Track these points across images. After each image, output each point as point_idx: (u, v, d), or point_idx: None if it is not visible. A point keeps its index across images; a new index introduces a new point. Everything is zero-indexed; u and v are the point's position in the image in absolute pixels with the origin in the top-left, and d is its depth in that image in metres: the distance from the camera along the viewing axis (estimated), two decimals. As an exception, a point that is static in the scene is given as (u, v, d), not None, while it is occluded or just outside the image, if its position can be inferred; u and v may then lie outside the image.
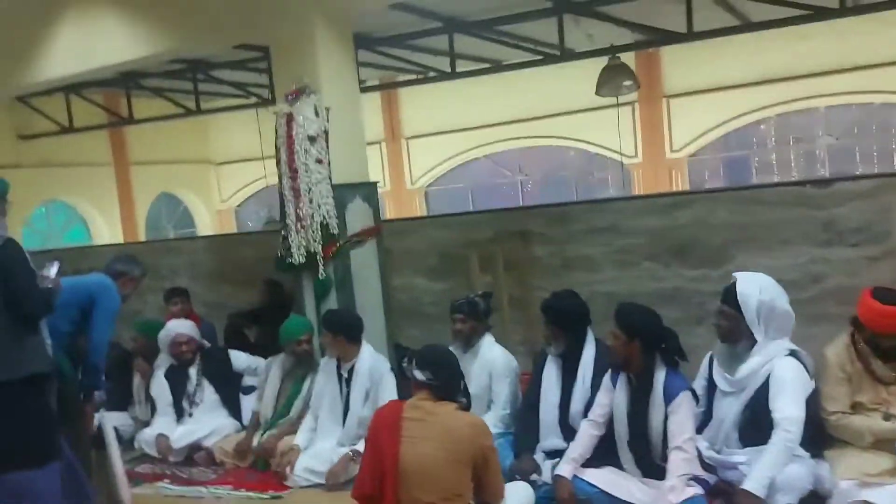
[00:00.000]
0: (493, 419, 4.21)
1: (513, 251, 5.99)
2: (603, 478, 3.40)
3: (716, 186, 11.51)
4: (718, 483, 3.37)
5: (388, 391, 4.38)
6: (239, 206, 17.42)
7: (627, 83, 8.54)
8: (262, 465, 4.53)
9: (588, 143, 13.13)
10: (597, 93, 8.84)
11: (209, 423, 4.91)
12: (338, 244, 5.08)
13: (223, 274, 7.26)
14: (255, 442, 4.67)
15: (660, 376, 3.38)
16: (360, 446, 4.21)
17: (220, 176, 17.10)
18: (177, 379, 5.05)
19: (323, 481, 4.21)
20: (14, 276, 3.21)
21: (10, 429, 3.17)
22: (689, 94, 12.20)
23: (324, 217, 5.00)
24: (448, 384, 3.17)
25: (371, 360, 4.44)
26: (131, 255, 4.31)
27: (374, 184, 5.46)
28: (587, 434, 3.53)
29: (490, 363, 4.33)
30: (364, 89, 7.10)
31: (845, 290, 4.93)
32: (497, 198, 14.20)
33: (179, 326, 5.23)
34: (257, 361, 5.31)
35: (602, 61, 8.32)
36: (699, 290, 5.37)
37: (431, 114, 14.07)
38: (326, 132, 5.02)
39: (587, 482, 3.40)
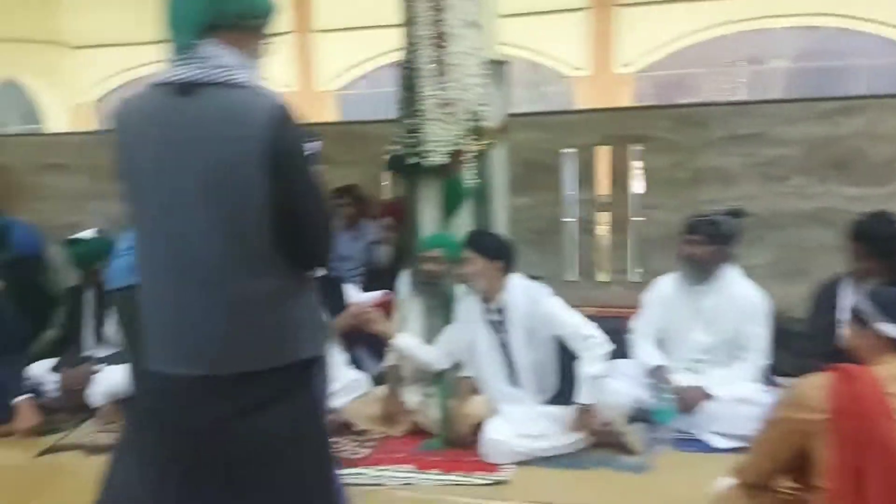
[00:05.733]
0: (751, 373, 3.33)
1: (622, 160, 5.01)
2: None
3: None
4: None
5: (559, 322, 3.27)
6: (100, 99, 14.74)
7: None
8: (438, 442, 3.31)
9: (531, 50, 12.15)
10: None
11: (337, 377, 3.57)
12: (485, 141, 3.84)
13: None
14: (410, 401, 3.45)
15: None
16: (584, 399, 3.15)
17: (78, 63, 14.27)
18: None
19: (539, 453, 3.12)
20: (299, 178, 1.72)
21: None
22: (643, 5, 11.53)
23: (473, 103, 3.73)
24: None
25: (525, 292, 3.33)
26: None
27: (505, 64, 4.20)
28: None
29: (739, 300, 3.40)
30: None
31: None
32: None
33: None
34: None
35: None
36: (857, 211, 4.72)
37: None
38: (483, -16, 3.71)
39: None
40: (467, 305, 3.44)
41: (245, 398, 1.76)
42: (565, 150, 5.07)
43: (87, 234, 3.82)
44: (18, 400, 3.47)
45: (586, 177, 5.09)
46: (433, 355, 3.47)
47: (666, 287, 3.60)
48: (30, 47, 13.18)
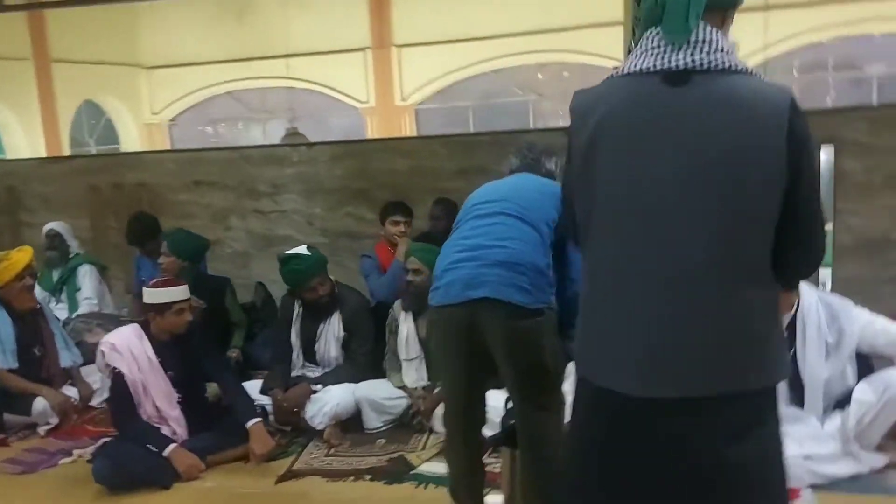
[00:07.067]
0: None
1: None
2: None
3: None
4: None
5: (878, 330, 2.99)
6: (172, 120, 14.74)
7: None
8: None
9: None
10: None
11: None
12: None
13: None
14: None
15: None
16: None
17: (152, 83, 14.30)
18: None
19: (832, 477, 2.89)
20: (811, 174, 1.54)
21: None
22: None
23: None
24: None
25: (823, 303, 3.05)
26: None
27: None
28: None
29: None
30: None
31: None
32: (504, 118, 12.76)
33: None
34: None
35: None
36: None
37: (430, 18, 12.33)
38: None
39: None
40: None
41: (716, 423, 1.56)
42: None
43: (300, 249, 3.66)
44: (251, 423, 3.30)
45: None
46: None
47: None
48: (108, 69, 13.22)
